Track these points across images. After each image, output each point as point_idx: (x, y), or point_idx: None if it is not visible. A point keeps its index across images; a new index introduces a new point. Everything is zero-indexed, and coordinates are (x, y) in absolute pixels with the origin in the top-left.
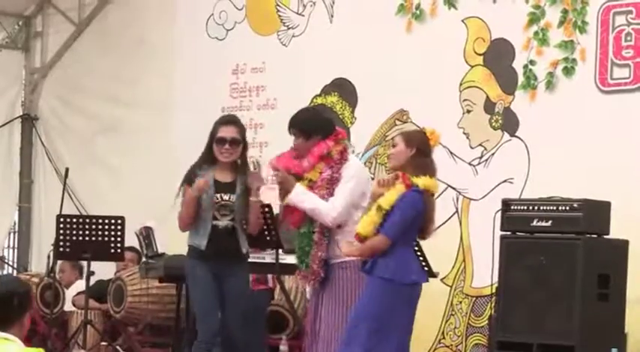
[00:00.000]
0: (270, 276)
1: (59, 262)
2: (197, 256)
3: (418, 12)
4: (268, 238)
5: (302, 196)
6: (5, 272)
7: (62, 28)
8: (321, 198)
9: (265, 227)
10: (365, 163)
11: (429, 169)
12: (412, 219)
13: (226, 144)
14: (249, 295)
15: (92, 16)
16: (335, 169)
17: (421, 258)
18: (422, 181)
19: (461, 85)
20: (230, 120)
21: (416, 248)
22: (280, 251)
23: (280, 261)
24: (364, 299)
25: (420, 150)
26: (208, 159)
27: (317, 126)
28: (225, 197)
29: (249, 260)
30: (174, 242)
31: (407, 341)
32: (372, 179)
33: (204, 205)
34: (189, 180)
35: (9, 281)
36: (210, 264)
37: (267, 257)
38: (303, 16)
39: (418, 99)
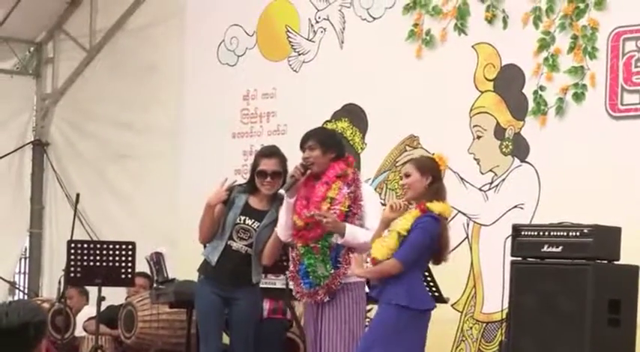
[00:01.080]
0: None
1: (67, 288)
2: (206, 272)
3: (428, 38)
4: (280, 263)
5: (354, 234)
6: (16, 297)
7: (73, 55)
8: (342, 214)
9: None
10: (375, 189)
11: (441, 195)
12: (427, 245)
13: (267, 178)
14: (263, 322)
15: (103, 42)
16: (354, 187)
17: (431, 284)
18: (437, 207)
19: (471, 110)
20: (272, 152)
21: (426, 273)
22: None
23: (291, 287)
24: (377, 325)
25: (434, 178)
26: (250, 189)
27: (335, 142)
28: (249, 222)
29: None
30: (184, 267)
31: None
32: (383, 205)
33: (226, 223)
34: (224, 200)
35: (24, 311)
36: (218, 284)
37: (278, 282)
38: (313, 42)
39: (428, 125)
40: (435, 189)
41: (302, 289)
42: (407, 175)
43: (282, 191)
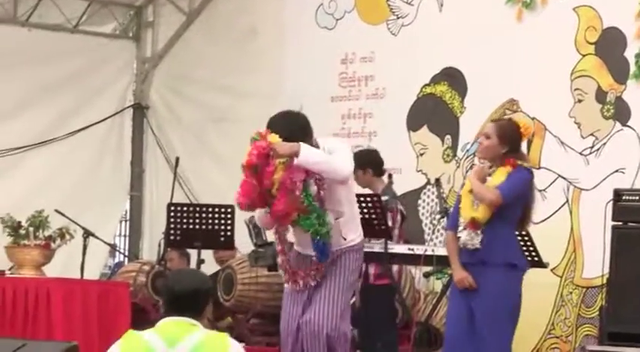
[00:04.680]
0: (395, 270)
1: (168, 250)
2: None
3: (529, 1)
4: (377, 227)
5: (312, 151)
6: (117, 260)
7: (173, 18)
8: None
9: (375, 216)
10: (474, 153)
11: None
12: (521, 194)
13: None
14: (370, 288)
15: (202, 6)
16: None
17: (531, 248)
18: (525, 164)
19: (572, 74)
20: None
21: (526, 237)
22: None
23: (389, 251)
24: (500, 292)
25: (512, 148)
26: None
27: (304, 131)
28: None
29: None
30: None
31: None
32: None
33: None
34: None
35: (202, 278)
36: None
37: (376, 246)
38: (412, 5)
39: (528, 89)
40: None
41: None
42: (486, 136)
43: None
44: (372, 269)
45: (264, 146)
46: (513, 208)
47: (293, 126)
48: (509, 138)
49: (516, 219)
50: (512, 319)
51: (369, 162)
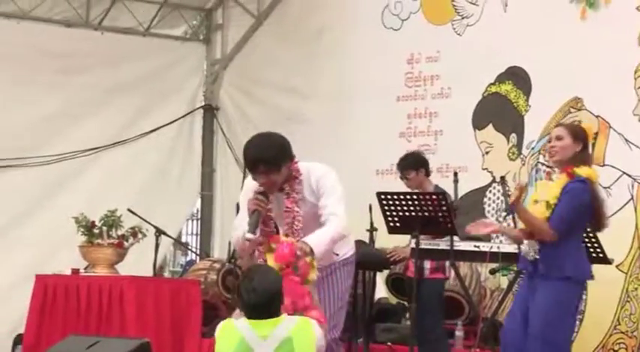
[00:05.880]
0: (447, 266)
1: None
2: None
3: (592, 0)
4: (443, 226)
5: (319, 241)
6: (189, 258)
7: (242, 21)
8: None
9: (440, 214)
10: (539, 151)
11: (588, 162)
12: (578, 210)
13: None
14: (424, 281)
15: (271, 8)
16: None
17: (596, 245)
18: (583, 171)
19: (636, 72)
20: None
21: (591, 234)
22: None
23: (455, 248)
24: (552, 303)
25: (584, 146)
26: None
27: (283, 154)
28: None
29: (423, 246)
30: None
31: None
32: (548, 168)
33: None
34: None
35: (273, 279)
36: None
37: (442, 244)
38: (477, 5)
39: (592, 87)
40: (583, 158)
41: None
42: (559, 138)
43: (249, 235)
44: (427, 264)
45: (289, 242)
46: (576, 222)
47: (275, 150)
48: (582, 138)
49: (582, 228)
50: (567, 328)
51: (422, 163)
